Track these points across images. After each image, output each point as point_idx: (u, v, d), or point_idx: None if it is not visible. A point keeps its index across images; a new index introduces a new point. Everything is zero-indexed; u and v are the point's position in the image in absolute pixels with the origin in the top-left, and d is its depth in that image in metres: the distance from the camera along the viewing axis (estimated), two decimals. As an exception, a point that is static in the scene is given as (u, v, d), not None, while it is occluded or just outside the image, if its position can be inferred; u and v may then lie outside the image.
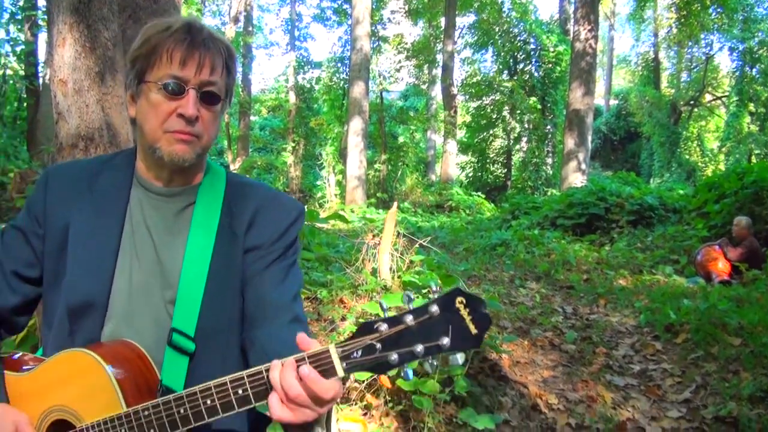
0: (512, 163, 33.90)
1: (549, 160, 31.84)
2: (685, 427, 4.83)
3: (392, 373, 1.47)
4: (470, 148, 34.83)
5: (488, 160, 34.85)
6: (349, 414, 4.25)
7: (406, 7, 35.57)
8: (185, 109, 1.64)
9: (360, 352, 1.33)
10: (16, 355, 1.84)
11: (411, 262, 6.52)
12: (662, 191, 17.24)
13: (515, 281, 9.63)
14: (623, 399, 5.30)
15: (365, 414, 4.37)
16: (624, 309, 7.99)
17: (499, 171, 34.64)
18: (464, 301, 1.29)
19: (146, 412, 1.50)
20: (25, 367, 1.74)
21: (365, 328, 1.34)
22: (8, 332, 1.86)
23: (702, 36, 34.97)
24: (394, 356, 1.30)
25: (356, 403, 4.41)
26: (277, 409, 1.35)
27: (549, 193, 26.16)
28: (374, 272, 6.25)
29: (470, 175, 35.27)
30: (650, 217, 14.17)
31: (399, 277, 6.02)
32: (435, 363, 1.34)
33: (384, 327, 1.32)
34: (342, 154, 28.87)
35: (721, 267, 9.76)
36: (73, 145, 3.82)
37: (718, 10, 32.45)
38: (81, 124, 3.80)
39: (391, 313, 1.33)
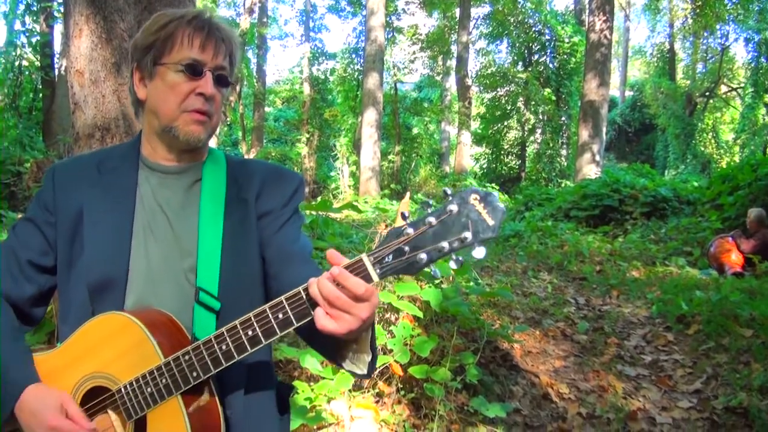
0: (526, 155, 33.77)
1: (563, 152, 31.74)
2: (696, 417, 4.85)
3: (425, 273, 1.56)
4: (484, 140, 34.74)
5: (502, 152, 34.76)
6: (361, 401, 4.28)
7: (421, -2, 35.47)
8: (205, 88, 1.75)
9: (391, 256, 1.41)
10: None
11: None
12: (676, 183, 17.19)
13: (528, 272, 9.65)
14: (634, 389, 5.32)
15: (377, 401, 4.41)
16: (636, 300, 8.00)
17: (514, 162, 34.55)
18: (478, 197, 1.38)
19: (187, 357, 1.56)
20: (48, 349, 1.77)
21: (393, 233, 1.43)
22: (25, 324, 1.89)
23: (717, 27, 34.64)
24: (422, 255, 1.39)
25: (368, 391, 4.45)
26: (321, 319, 1.41)
27: (563, 185, 26.10)
28: (387, 262, 6.26)
29: (484, 166, 35.18)
30: (664, 209, 14.13)
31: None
32: (461, 259, 1.42)
33: (410, 230, 1.40)
34: (356, 145, 28.93)
35: (734, 259, 9.74)
36: (90, 135, 3.87)
37: (734, 0, 32.23)
38: (97, 114, 3.85)
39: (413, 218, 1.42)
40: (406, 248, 1.40)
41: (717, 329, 6.21)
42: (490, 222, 1.36)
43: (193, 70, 1.74)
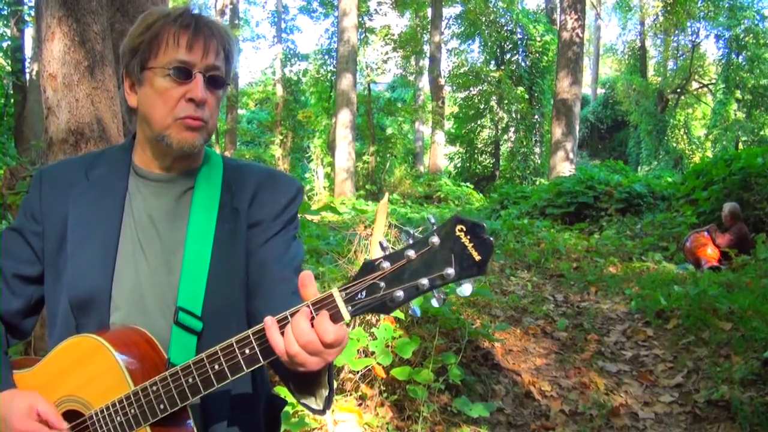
0: (500, 153, 33.93)
1: (537, 150, 31.92)
2: (678, 412, 4.86)
3: (399, 314, 1.42)
4: (458, 139, 34.82)
5: (476, 151, 34.86)
6: (344, 405, 4.26)
7: (393, -2, 35.47)
8: (195, 92, 1.62)
9: (364, 293, 1.30)
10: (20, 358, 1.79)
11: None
12: (650, 179, 17.31)
13: (506, 270, 9.65)
14: (616, 385, 5.34)
15: (360, 404, 4.38)
16: (615, 296, 8.03)
17: (488, 161, 34.66)
18: (464, 228, 1.27)
19: (154, 387, 1.47)
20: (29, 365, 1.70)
21: (367, 267, 1.32)
22: (16, 337, 1.83)
23: (688, 24, 34.95)
24: (399, 293, 1.28)
25: (351, 394, 4.42)
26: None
27: (537, 183, 26.21)
28: (366, 263, 6.23)
29: (458, 165, 35.27)
30: (639, 205, 14.22)
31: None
32: (443, 296, 1.30)
33: (386, 264, 1.29)
34: (330, 147, 28.89)
35: (710, 253, 9.81)
36: (64, 140, 3.80)
37: (704, -3, 32.62)
38: (71, 118, 3.79)
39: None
40: (382, 284, 1.29)
41: (696, 323, 6.24)
42: (477, 257, 1.26)
43: (182, 74, 1.61)
